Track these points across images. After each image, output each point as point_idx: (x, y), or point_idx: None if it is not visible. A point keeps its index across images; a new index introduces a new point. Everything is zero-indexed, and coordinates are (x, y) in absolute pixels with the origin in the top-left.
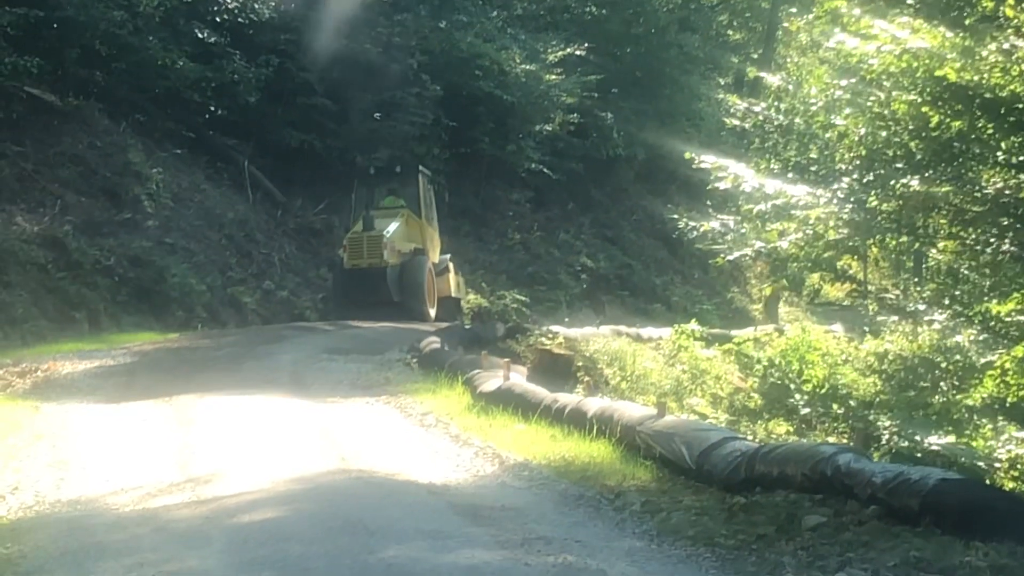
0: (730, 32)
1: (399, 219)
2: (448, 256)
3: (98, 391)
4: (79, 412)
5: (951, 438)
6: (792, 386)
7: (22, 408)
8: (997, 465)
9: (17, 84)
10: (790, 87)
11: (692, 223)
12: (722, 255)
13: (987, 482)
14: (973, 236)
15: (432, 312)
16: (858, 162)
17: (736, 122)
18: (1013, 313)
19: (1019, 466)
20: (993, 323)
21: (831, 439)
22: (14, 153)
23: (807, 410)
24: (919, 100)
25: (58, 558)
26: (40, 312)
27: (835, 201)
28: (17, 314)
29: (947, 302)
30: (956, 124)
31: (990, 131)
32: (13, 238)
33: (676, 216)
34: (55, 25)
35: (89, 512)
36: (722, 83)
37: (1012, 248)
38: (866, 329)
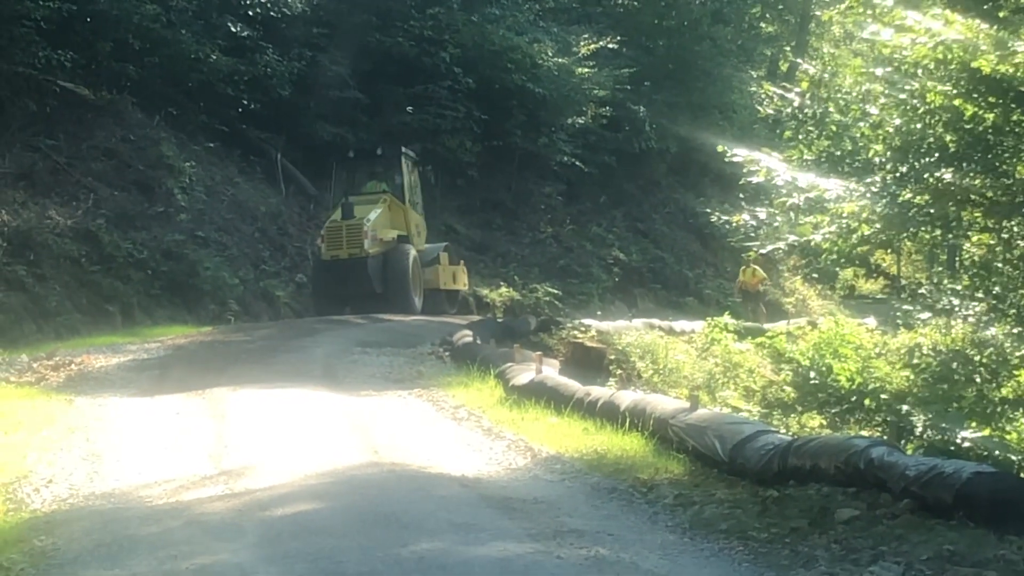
0: (763, 24)
1: (381, 205)
2: (443, 245)
3: (131, 384)
4: (113, 405)
5: (984, 431)
6: (825, 379)
7: (56, 401)
8: None
9: (50, 78)
10: (825, 76)
11: (724, 216)
12: (755, 249)
13: (1021, 475)
14: (1007, 229)
15: (419, 303)
16: (891, 154)
17: (770, 111)
18: None
19: None
20: None
21: (864, 432)
22: (47, 147)
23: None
24: (953, 92)
25: (92, 550)
26: (73, 305)
27: (868, 195)
28: (51, 307)
29: (980, 295)
30: (990, 116)
31: None
32: (47, 231)
33: (708, 210)
34: (88, 19)
35: (122, 505)
36: (755, 75)
37: None
38: (899, 322)
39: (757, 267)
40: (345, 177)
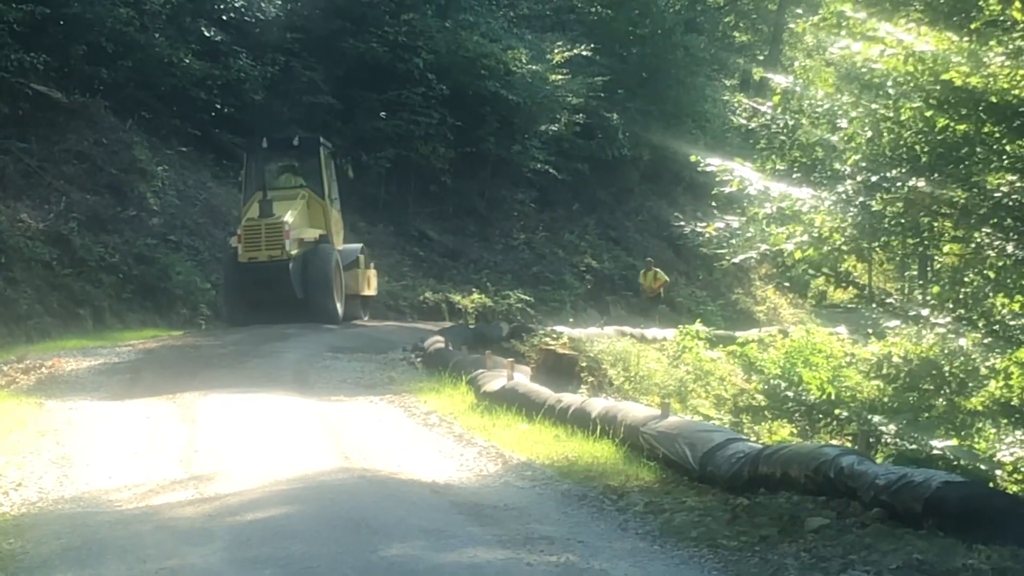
0: (736, 33)
1: (299, 202)
2: (360, 247)
3: (102, 388)
4: (83, 409)
5: (954, 441)
6: (795, 388)
7: (26, 404)
8: (999, 469)
9: (23, 80)
10: (797, 89)
11: (698, 227)
12: (727, 258)
13: (990, 485)
14: (979, 239)
15: (341, 310)
16: (863, 164)
17: (742, 121)
18: (1017, 315)
19: (1022, 469)
20: (996, 326)
21: (834, 441)
22: (19, 149)
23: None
24: (925, 103)
25: (61, 554)
26: (44, 309)
27: (839, 204)
28: (21, 310)
29: (951, 305)
30: (962, 127)
31: (996, 134)
32: (18, 234)
33: (682, 222)
34: (61, 22)
35: (92, 509)
36: (728, 84)
37: (1018, 251)
38: (870, 332)
39: (658, 270)
40: (256, 169)
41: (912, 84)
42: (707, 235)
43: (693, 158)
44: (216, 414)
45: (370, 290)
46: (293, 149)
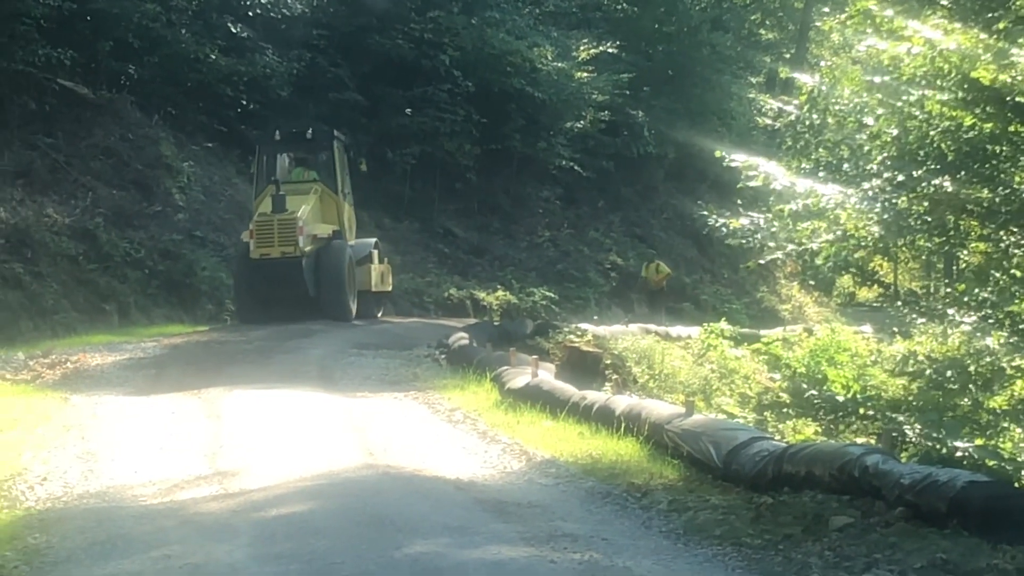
0: (762, 31)
1: (312, 196)
2: (373, 241)
3: (127, 383)
4: (108, 404)
5: (979, 441)
6: (820, 387)
7: (51, 399)
8: None
9: (50, 76)
10: (823, 88)
11: (721, 220)
12: (753, 260)
13: (1015, 485)
14: (1004, 238)
15: (354, 308)
16: (889, 163)
17: (768, 121)
18: None
19: None
20: (1022, 325)
21: (859, 440)
22: (46, 145)
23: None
24: (951, 102)
25: (85, 549)
26: (70, 304)
27: (865, 201)
28: (47, 305)
29: (976, 304)
30: (988, 126)
31: (1023, 133)
32: (44, 229)
33: (705, 212)
34: (88, 17)
35: (116, 503)
36: (754, 82)
37: None
38: (895, 330)
39: (661, 263)
40: (267, 163)
41: (939, 82)
42: (731, 230)
43: (718, 153)
44: (241, 410)
45: (384, 285)
46: (306, 142)
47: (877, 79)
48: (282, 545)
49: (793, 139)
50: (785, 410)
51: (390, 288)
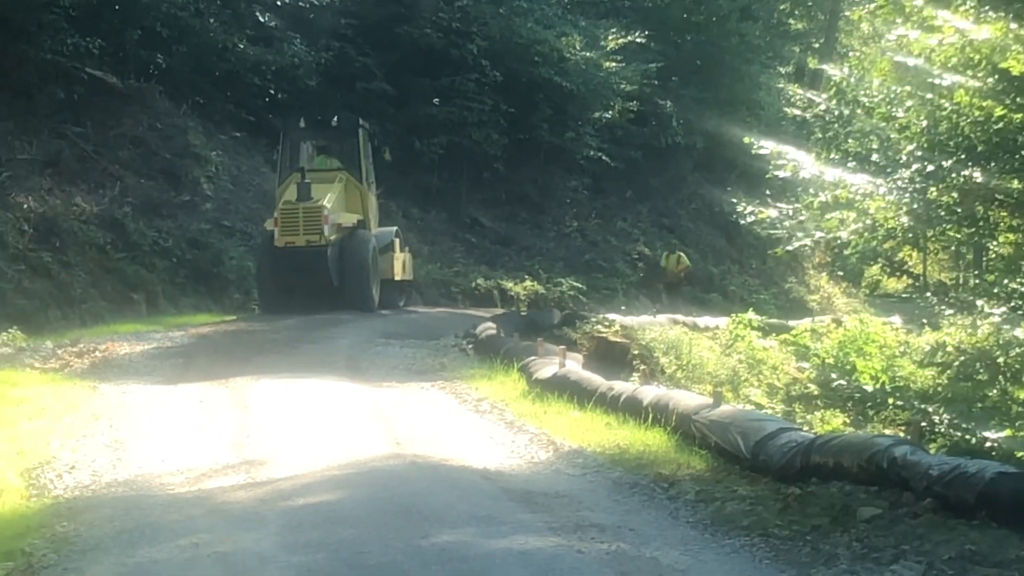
0: (791, 21)
1: (337, 185)
2: (394, 230)
3: (155, 372)
4: (136, 393)
5: (1007, 432)
6: (848, 377)
7: (80, 388)
8: None
9: (78, 65)
10: (852, 79)
11: (750, 207)
12: (781, 247)
13: None
14: None
15: (377, 297)
16: (919, 153)
17: (796, 112)
18: None
19: None
20: None
21: (887, 431)
22: (75, 134)
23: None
24: (981, 92)
25: (113, 537)
26: (99, 293)
27: (895, 191)
28: (76, 294)
29: (1006, 295)
30: (1018, 117)
31: None
32: (72, 218)
33: (735, 200)
34: (116, 7)
35: (144, 492)
36: (783, 72)
37: None
38: (924, 321)
39: (683, 254)
40: (291, 150)
41: (969, 72)
42: (759, 219)
43: (746, 139)
44: (268, 399)
45: (404, 274)
46: (331, 130)
47: (911, 61)
48: (309, 534)
49: (822, 130)
50: (813, 401)
51: (411, 277)
